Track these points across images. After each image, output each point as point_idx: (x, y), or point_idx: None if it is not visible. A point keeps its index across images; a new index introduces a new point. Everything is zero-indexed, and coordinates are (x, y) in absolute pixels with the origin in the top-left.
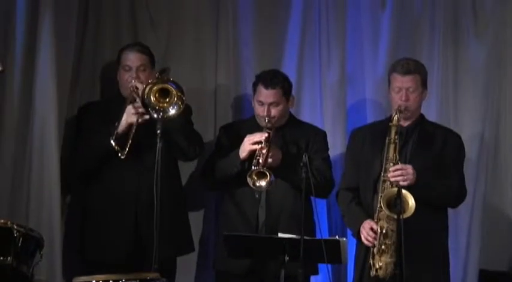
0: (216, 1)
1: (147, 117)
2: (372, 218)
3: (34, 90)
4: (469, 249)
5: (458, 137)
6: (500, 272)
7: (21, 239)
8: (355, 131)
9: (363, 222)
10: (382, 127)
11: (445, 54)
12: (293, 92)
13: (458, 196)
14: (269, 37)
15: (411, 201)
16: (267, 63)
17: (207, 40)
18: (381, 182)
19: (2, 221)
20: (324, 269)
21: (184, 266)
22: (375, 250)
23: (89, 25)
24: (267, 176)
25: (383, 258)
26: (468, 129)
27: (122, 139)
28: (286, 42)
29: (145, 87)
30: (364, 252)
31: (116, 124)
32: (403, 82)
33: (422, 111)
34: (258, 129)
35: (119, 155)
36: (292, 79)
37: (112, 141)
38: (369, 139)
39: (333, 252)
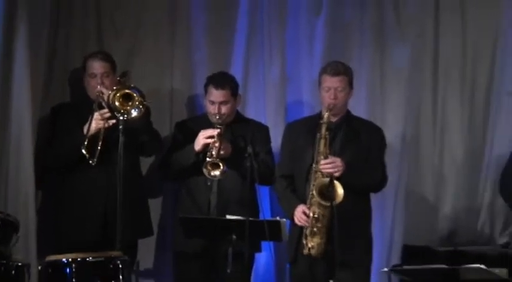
0: (172, 12)
1: (112, 121)
2: (305, 203)
3: (11, 93)
4: (394, 228)
5: (380, 130)
6: (420, 247)
7: None
8: (289, 125)
9: (296, 206)
10: (313, 122)
11: (372, 58)
12: (240, 91)
13: (380, 183)
14: (219, 43)
15: (340, 190)
16: (217, 66)
17: (165, 46)
18: (312, 173)
19: None
20: (267, 247)
21: (145, 248)
22: (308, 232)
23: (60, 34)
24: (220, 166)
25: (315, 239)
26: (393, 126)
27: (91, 144)
28: (233, 48)
29: (111, 93)
30: (297, 233)
31: (85, 131)
32: (332, 82)
33: (354, 111)
34: (210, 125)
35: (90, 162)
36: (239, 80)
37: (83, 150)
38: (302, 133)
39: (274, 231)
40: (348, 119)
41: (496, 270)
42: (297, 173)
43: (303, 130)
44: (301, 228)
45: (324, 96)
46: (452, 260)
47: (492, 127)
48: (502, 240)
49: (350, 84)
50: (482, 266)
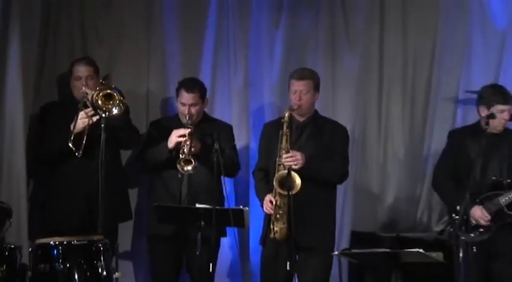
0: (148, 24)
1: (96, 118)
2: None
3: (5, 94)
4: (343, 216)
5: (344, 128)
6: (366, 233)
7: None
8: (265, 125)
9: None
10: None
11: (325, 65)
12: (208, 95)
13: (341, 175)
14: (190, 52)
15: (298, 181)
16: (187, 72)
17: (141, 54)
18: (276, 166)
19: None
20: (231, 232)
21: (123, 232)
22: (274, 218)
23: (49, 41)
24: (192, 162)
25: (279, 225)
26: (343, 123)
27: (77, 139)
28: (202, 57)
29: (94, 93)
30: (268, 220)
31: (72, 128)
32: (297, 86)
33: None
34: (181, 124)
35: (76, 154)
36: (207, 85)
37: (70, 144)
38: (274, 132)
39: (238, 219)
40: (314, 118)
41: (433, 254)
42: (270, 167)
43: (275, 129)
44: (271, 215)
45: (291, 98)
46: (394, 245)
47: (430, 128)
48: (438, 228)
49: (315, 88)
50: (421, 250)
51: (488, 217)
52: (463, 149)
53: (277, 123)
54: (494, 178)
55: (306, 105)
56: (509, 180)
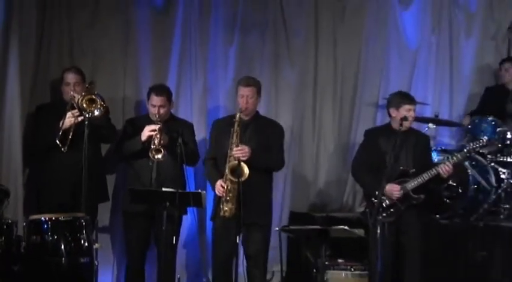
0: (125, 39)
1: (81, 118)
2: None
3: (5, 96)
4: (284, 199)
5: (281, 126)
6: (302, 213)
7: None
8: (215, 121)
9: (217, 181)
10: (231, 120)
11: (269, 76)
12: (173, 98)
13: (278, 164)
14: (159, 63)
15: (246, 170)
16: (157, 79)
17: (119, 64)
18: (228, 157)
19: None
20: (191, 211)
21: (103, 211)
22: (223, 199)
23: (43, 52)
24: (161, 151)
25: (228, 205)
26: (284, 123)
27: (64, 135)
28: (169, 68)
29: (80, 97)
30: (217, 200)
31: (60, 125)
32: (244, 91)
33: (260, 111)
34: (151, 122)
35: (62, 149)
36: (173, 90)
37: (57, 140)
38: (223, 127)
39: (196, 200)
40: (256, 117)
41: (356, 231)
42: (219, 157)
43: (224, 125)
44: (220, 196)
45: (239, 101)
46: (324, 223)
47: (355, 127)
48: (360, 209)
49: (258, 93)
50: (346, 227)
51: (398, 188)
52: (377, 145)
53: (224, 120)
54: (401, 168)
55: (251, 107)
56: (413, 170)
